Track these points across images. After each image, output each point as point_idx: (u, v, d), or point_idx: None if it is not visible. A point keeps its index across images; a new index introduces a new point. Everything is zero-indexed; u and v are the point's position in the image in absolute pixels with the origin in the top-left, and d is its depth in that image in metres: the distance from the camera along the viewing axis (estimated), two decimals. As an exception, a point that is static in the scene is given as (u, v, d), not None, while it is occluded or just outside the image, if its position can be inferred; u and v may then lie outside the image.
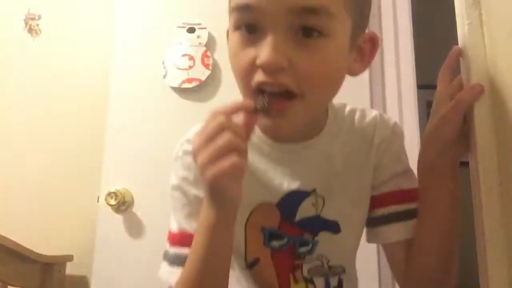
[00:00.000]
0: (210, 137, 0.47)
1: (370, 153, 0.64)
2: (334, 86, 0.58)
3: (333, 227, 0.63)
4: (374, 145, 0.65)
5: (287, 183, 0.61)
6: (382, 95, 1.54)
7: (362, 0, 0.58)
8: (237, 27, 0.54)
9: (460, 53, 0.58)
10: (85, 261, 1.56)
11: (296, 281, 0.63)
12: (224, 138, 0.47)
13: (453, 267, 0.62)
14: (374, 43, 0.59)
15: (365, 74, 1.52)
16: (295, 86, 0.52)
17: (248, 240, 0.63)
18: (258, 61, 0.51)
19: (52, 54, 1.96)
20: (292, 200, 0.61)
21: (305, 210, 0.62)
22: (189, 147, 0.62)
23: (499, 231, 0.50)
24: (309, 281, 0.63)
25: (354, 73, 0.60)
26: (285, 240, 0.62)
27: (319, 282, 0.63)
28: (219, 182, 0.48)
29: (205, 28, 1.58)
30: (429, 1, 2.10)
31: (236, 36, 0.54)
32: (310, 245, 0.63)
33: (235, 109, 0.50)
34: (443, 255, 0.62)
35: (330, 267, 0.64)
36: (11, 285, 1.43)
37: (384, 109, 1.53)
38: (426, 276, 0.62)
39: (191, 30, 1.58)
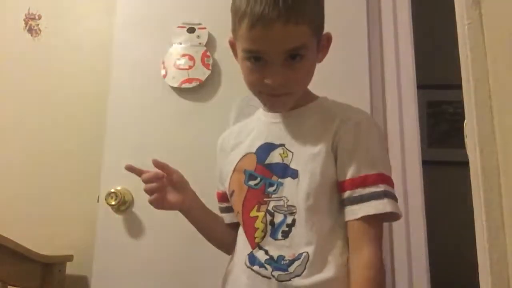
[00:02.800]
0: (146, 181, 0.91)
1: (330, 130, 0.87)
2: (310, 79, 0.88)
3: (294, 173, 0.86)
4: (334, 126, 0.87)
5: (264, 139, 0.92)
6: (382, 95, 1.54)
7: (319, 19, 0.84)
8: (247, 58, 0.82)
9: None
10: (85, 261, 1.56)
11: (258, 211, 0.87)
12: (147, 187, 0.91)
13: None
14: (328, 37, 0.88)
15: (365, 74, 1.53)
16: (288, 90, 0.85)
17: (232, 179, 0.93)
18: (267, 81, 0.81)
19: (52, 54, 1.96)
20: (264, 149, 0.91)
21: (274, 157, 0.89)
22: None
23: (499, 231, 0.50)
24: (270, 214, 0.85)
25: (320, 61, 0.89)
26: (258, 179, 0.88)
27: (279, 217, 0.85)
28: (154, 206, 0.92)
29: (205, 28, 1.58)
30: (429, 1, 2.11)
31: (246, 64, 0.83)
32: (276, 185, 0.86)
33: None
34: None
35: (288, 206, 0.85)
36: (11, 285, 1.43)
37: (384, 109, 1.53)
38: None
39: (191, 30, 1.58)
